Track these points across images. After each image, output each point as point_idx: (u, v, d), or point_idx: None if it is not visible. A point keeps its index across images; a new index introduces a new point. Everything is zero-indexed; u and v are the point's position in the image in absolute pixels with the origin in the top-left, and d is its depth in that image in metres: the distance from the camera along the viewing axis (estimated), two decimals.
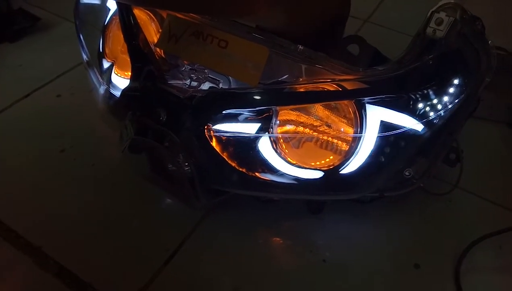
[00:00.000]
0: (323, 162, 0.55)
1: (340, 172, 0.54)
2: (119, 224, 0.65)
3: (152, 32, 0.63)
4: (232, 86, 0.55)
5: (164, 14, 0.62)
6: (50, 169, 0.72)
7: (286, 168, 0.55)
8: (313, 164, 0.55)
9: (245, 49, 0.54)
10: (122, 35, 0.67)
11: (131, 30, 0.60)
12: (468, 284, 0.58)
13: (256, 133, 0.56)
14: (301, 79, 0.53)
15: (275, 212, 0.66)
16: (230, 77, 0.56)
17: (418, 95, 0.52)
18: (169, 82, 0.56)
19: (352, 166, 0.53)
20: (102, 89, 0.64)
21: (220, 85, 0.56)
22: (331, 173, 0.54)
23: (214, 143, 0.53)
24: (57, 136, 0.77)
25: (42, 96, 0.86)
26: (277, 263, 0.61)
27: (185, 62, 0.60)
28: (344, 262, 0.61)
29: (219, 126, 0.53)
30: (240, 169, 0.54)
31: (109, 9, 0.69)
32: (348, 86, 0.52)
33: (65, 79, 0.89)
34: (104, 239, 0.63)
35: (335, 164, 0.54)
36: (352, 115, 0.53)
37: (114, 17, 0.68)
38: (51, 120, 0.80)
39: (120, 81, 0.65)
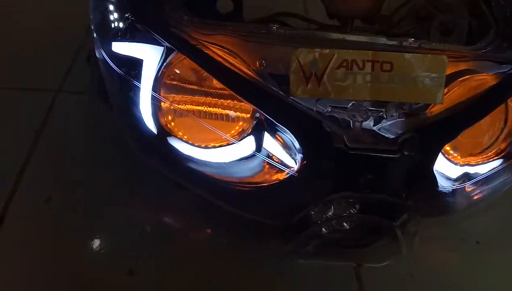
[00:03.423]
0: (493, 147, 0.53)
1: None
2: None
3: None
4: (407, 111, 0.46)
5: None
6: None
7: (477, 169, 0.51)
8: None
9: (418, 65, 0.44)
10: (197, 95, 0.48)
11: (251, 87, 0.42)
12: None
13: None
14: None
15: None
16: (395, 103, 0.46)
17: None
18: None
19: None
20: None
21: (385, 115, 0.46)
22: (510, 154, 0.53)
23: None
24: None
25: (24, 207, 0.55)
26: (444, 262, 0.60)
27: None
28: (492, 234, 0.64)
29: None
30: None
31: (141, 60, 0.46)
32: None
33: (37, 169, 0.59)
34: None
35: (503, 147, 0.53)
36: None
37: (164, 70, 0.46)
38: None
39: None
